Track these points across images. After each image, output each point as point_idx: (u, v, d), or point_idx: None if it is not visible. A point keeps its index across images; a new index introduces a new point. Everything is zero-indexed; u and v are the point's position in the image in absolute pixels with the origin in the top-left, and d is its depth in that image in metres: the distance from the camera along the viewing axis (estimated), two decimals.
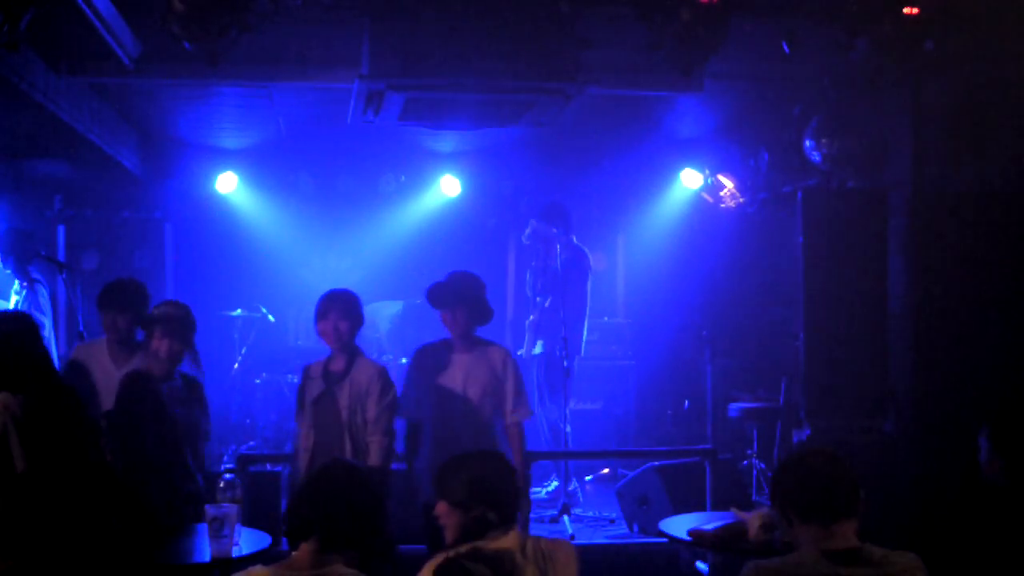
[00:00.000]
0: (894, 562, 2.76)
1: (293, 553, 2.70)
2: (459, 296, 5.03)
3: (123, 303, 5.05)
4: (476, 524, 2.96)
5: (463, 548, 2.87)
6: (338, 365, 4.89)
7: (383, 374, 4.87)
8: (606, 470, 8.45)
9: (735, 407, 7.94)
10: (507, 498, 3.02)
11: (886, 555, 2.77)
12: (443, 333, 5.07)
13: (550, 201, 7.79)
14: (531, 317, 7.77)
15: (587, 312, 7.73)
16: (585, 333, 7.73)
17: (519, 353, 8.13)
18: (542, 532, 6.15)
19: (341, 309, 4.87)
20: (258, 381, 8.66)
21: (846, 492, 2.82)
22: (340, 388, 4.81)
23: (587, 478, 8.27)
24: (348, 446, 4.72)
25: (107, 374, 5.01)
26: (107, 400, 4.91)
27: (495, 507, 2.98)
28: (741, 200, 8.68)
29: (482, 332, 5.20)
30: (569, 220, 7.58)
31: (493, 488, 3.00)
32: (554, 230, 7.44)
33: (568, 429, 7.22)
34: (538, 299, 7.67)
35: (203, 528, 3.73)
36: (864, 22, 4.96)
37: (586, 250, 7.77)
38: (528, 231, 7.73)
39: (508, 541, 2.93)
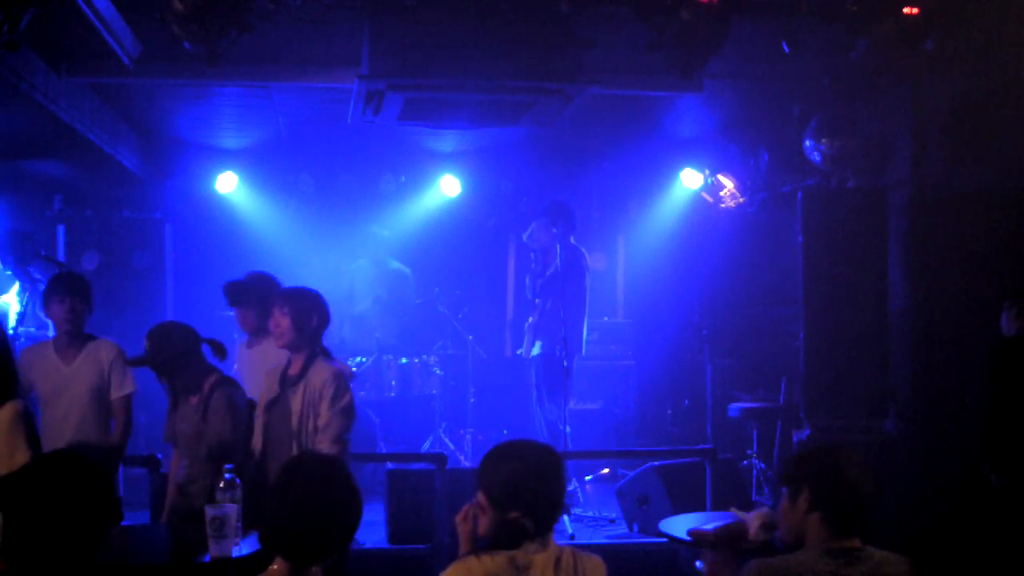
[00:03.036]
0: (891, 562, 2.77)
1: (272, 567, 2.58)
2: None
3: (82, 290, 4.96)
4: (510, 530, 2.72)
5: (497, 554, 2.71)
6: (295, 368, 4.58)
7: (338, 376, 4.49)
8: (606, 470, 8.46)
9: (735, 407, 7.94)
10: (548, 505, 2.77)
11: (885, 556, 2.78)
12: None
13: (556, 200, 7.75)
14: (530, 319, 7.76)
15: (586, 311, 7.72)
16: (585, 332, 7.72)
17: (518, 353, 8.13)
18: None
19: (279, 303, 4.57)
20: None
21: (870, 512, 2.83)
22: (294, 392, 4.49)
23: (587, 478, 8.27)
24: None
25: (56, 371, 4.94)
26: (56, 398, 4.89)
27: (533, 514, 2.73)
28: (741, 200, 8.68)
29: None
30: (573, 220, 7.56)
31: (535, 491, 2.74)
32: (554, 230, 7.42)
33: (568, 429, 7.21)
34: (536, 301, 7.66)
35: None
36: (864, 22, 4.96)
37: (583, 250, 7.74)
38: (529, 231, 7.69)
39: (544, 556, 2.73)
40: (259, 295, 5.30)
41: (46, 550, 2.23)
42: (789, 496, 2.91)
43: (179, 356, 4.48)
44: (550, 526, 2.79)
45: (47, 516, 2.23)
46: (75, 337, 4.96)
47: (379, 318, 8.94)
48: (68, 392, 4.90)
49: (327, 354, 4.64)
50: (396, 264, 9.26)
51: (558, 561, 2.74)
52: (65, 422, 4.89)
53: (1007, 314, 5.38)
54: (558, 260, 7.34)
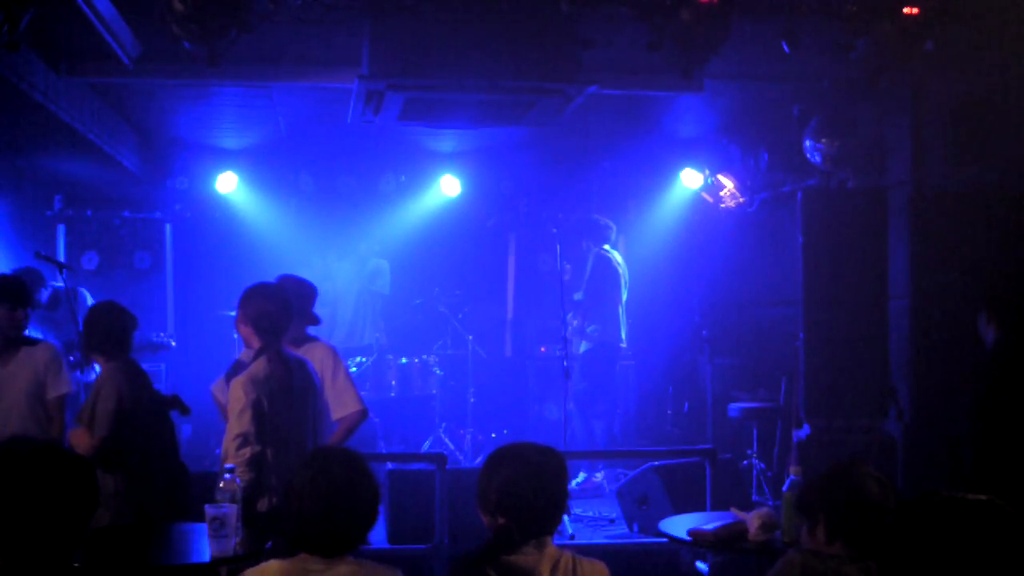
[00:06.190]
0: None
1: (302, 553, 2.66)
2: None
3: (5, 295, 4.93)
4: (500, 537, 2.71)
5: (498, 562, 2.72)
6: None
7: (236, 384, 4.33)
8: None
9: (735, 407, 7.94)
10: (537, 511, 2.73)
11: None
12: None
13: (582, 218, 8.43)
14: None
15: (603, 310, 8.23)
16: (623, 328, 8.26)
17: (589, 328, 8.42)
18: None
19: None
20: None
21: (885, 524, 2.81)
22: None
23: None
24: None
25: None
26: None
27: (521, 521, 2.70)
28: (741, 200, 8.68)
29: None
30: (598, 233, 8.21)
31: (522, 499, 2.71)
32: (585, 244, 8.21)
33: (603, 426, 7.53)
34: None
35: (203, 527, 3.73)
36: (864, 22, 4.96)
37: (597, 254, 8.18)
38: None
39: (539, 556, 2.72)
40: None
41: (26, 543, 2.17)
42: (808, 524, 2.89)
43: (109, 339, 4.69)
44: (547, 530, 2.75)
45: (27, 507, 2.18)
46: (11, 341, 4.99)
47: (369, 316, 8.98)
48: (5, 393, 4.96)
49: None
50: (374, 259, 9.30)
51: (556, 565, 2.71)
52: (5, 422, 4.97)
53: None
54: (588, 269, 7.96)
